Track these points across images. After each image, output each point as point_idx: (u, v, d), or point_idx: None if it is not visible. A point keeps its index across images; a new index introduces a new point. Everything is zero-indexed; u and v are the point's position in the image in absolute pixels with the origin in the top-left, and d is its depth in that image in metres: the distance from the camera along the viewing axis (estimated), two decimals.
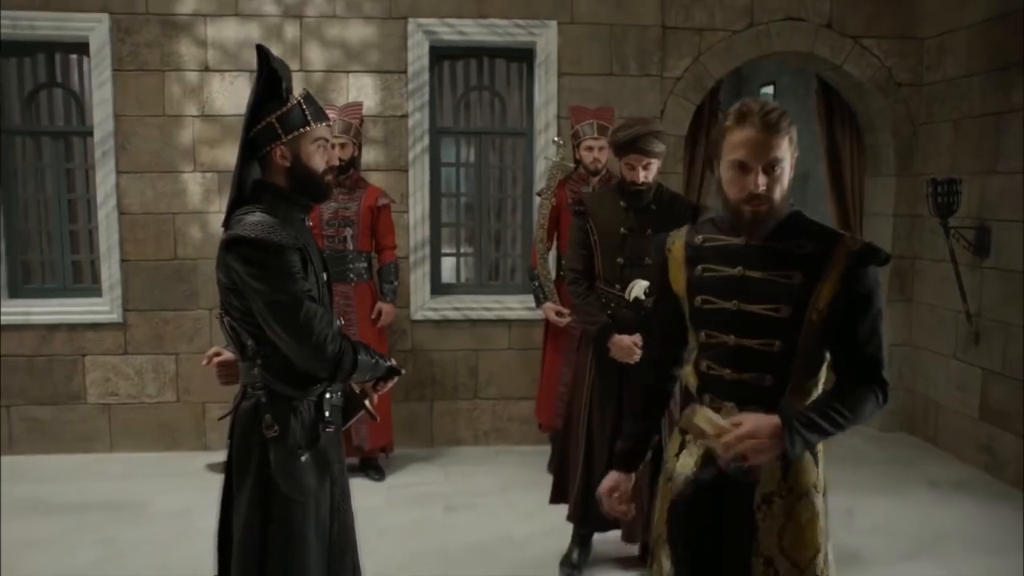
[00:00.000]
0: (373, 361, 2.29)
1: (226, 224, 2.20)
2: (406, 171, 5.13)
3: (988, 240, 4.76)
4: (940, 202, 4.79)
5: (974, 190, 4.85)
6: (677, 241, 1.98)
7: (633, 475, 2.09)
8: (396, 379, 2.45)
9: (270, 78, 2.16)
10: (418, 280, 5.20)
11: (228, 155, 5.06)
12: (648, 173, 3.30)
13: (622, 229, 3.33)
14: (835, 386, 1.83)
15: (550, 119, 5.15)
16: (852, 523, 4.09)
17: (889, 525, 4.14)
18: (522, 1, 5.09)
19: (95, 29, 4.92)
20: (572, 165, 4.61)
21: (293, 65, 5.04)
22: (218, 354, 2.42)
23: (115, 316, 5.10)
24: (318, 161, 2.19)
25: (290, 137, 2.13)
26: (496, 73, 5.34)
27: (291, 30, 5.05)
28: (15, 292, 5.21)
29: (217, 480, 2.22)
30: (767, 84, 8.50)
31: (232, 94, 5.04)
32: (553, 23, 5.10)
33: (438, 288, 5.38)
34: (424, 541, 3.90)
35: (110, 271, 5.08)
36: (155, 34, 4.98)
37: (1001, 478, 4.72)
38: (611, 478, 2.08)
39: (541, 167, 5.09)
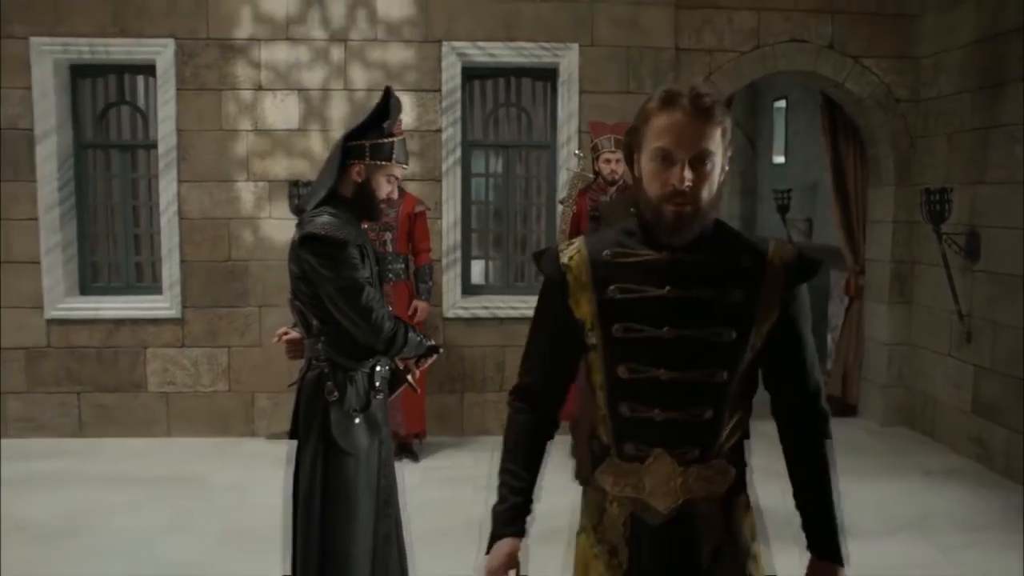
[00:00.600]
0: (419, 339, 2.73)
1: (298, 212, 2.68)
2: (440, 181, 5.59)
3: (978, 245, 5.12)
4: (933, 210, 5.15)
5: (965, 199, 5.21)
6: (575, 256, 1.62)
7: (524, 539, 1.69)
8: (435, 357, 2.88)
9: (382, 112, 2.64)
10: (450, 281, 5.65)
11: (277, 166, 5.56)
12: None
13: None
14: (795, 455, 1.66)
15: (572, 133, 5.59)
16: (843, 503, 4.46)
17: (881, 505, 4.50)
18: (547, 25, 5.54)
19: (161, 53, 5.44)
20: (591, 176, 5.04)
21: (338, 85, 5.54)
22: (286, 333, 2.87)
23: (174, 312, 5.60)
24: (382, 190, 2.66)
25: (372, 163, 2.60)
26: (522, 91, 5.79)
27: (337, 53, 5.54)
28: (85, 290, 5.73)
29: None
30: (779, 98, 8.87)
31: (282, 111, 5.54)
32: (575, 46, 5.54)
33: (468, 288, 5.82)
34: (456, 515, 4.32)
35: (170, 271, 5.58)
36: (214, 57, 5.49)
37: (991, 468, 5.06)
38: (506, 546, 1.64)
39: (563, 177, 5.52)
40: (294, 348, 2.86)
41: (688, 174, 1.46)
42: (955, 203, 5.17)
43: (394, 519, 2.83)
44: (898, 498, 4.63)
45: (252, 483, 4.77)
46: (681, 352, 1.54)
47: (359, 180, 2.63)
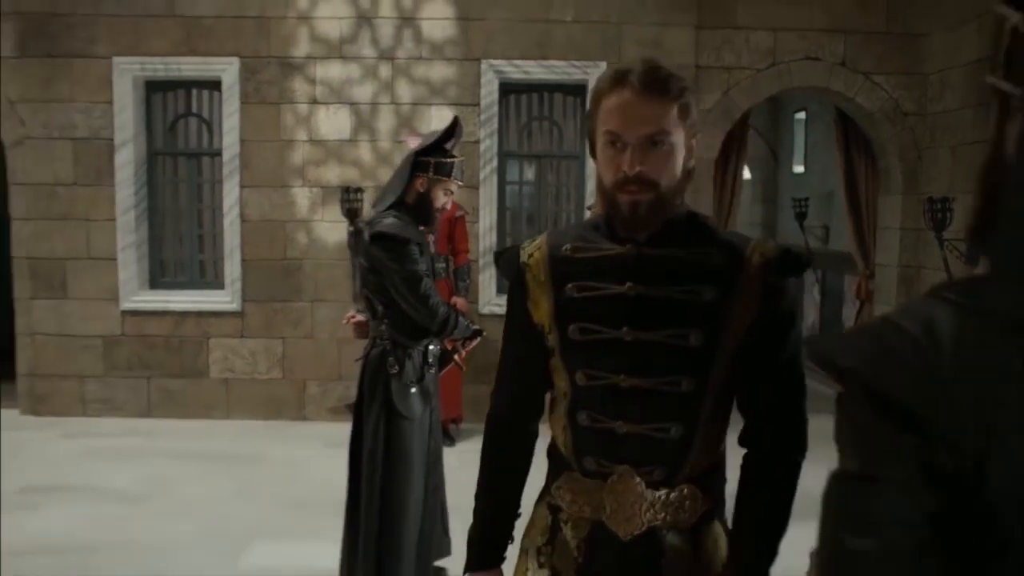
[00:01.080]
0: (466, 323, 3.22)
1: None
2: (477, 188, 6.09)
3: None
4: (936, 217, 5.54)
5: (966, 207, 5.59)
6: (535, 253, 1.48)
7: (500, 570, 1.59)
8: (478, 339, 3.37)
9: (447, 135, 3.15)
10: (486, 280, 6.15)
11: (330, 173, 6.09)
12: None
13: None
14: (749, 478, 1.42)
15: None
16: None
17: None
18: (577, 45, 6.02)
19: (227, 70, 6.01)
20: None
21: (385, 99, 6.07)
22: (353, 316, 3.39)
23: (235, 306, 6.15)
24: (439, 201, 3.17)
25: (434, 177, 3.10)
26: (554, 105, 6.28)
27: (385, 70, 6.07)
28: (155, 284, 6.31)
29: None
30: (799, 110, 9.27)
31: (335, 123, 6.08)
32: (603, 63, 6.01)
33: (502, 287, 6.31)
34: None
35: (232, 268, 6.14)
36: (274, 74, 6.05)
37: None
38: None
39: (591, 186, 5.99)
40: (360, 329, 3.38)
41: (639, 157, 1.31)
42: (957, 211, 5.56)
43: (440, 475, 3.33)
44: None
45: (305, 460, 5.29)
46: (641, 356, 1.36)
47: (422, 191, 3.14)
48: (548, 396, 1.55)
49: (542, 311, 1.46)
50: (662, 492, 1.40)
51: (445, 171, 3.15)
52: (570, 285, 1.42)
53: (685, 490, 1.41)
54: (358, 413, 3.28)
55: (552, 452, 1.54)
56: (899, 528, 0.71)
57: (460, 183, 3.27)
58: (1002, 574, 0.70)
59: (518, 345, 1.55)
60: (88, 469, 5.04)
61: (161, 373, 6.19)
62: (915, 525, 0.71)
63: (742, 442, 1.45)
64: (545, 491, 1.53)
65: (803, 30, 6.10)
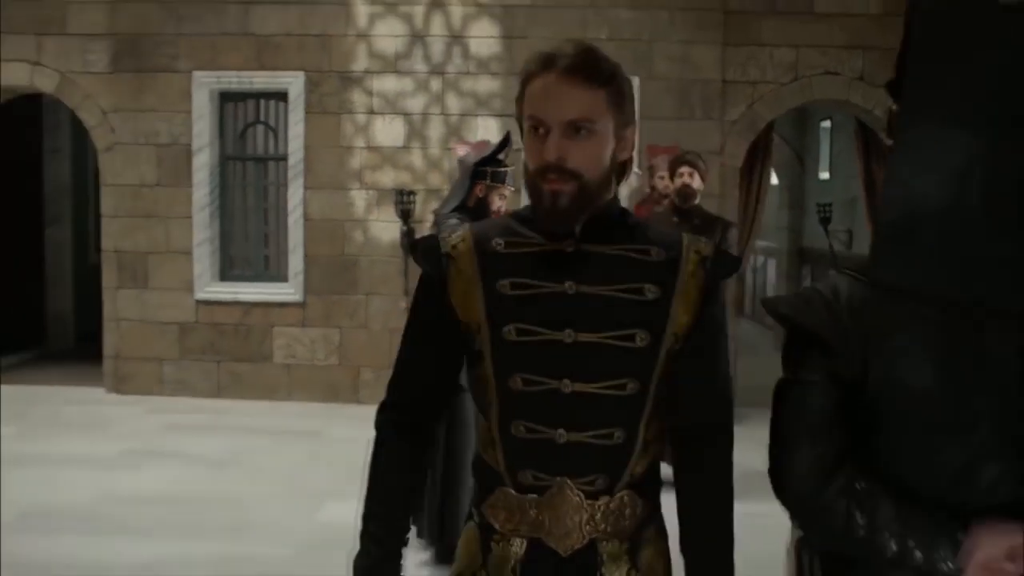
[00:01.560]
0: None
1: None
2: (519, 192, 6.65)
3: None
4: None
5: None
6: (459, 244, 1.36)
7: None
8: None
9: (501, 148, 3.73)
10: None
11: (385, 178, 6.70)
12: (693, 180, 4.66)
13: None
14: (693, 484, 1.40)
15: (632, 154, 6.58)
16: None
17: None
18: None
19: (293, 83, 6.65)
20: (648, 190, 6.03)
21: (436, 110, 6.67)
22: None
23: (298, 297, 6.79)
24: (495, 204, 3.74)
25: (491, 184, 3.68)
26: None
27: (435, 84, 6.67)
28: (224, 277, 6.98)
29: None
30: (825, 119, 9.72)
31: (390, 131, 6.69)
32: (636, 79, 6.54)
33: None
34: None
35: (295, 263, 6.78)
36: (335, 86, 6.67)
37: None
38: None
39: (624, 191, 6.50)
40: None
41: (561, 144, 1.25)
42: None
43: None
44: None
45: (361, 438, 5.83)
46: (585, 359, 1.29)
47: (480, 196, 3.72)
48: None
49: (471, 309, 1.33)
50: (602, 501, 1.32)
51: (500, 179, 3.73)
52: (503, 282, 1.31)
53: (625, 497, 1.34)
54: None
55: (478, 467, 1.41)
56: (816, 412, 1.26)
57: (512, 188, 3.83)
58: (878, 439, 1.24)
59: (426, 342, 1.40)
60: (173, 439, 5.70)
61: (230, 357, 6.84)
62: (826, 410, 1.27)
63: (672, 436, 1.41)
64: (472, 510, 1.42)
65: (824, 47, 6.57)
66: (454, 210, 3.71)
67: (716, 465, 1.40)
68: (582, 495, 1.32)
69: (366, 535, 1.40)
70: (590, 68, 1.27)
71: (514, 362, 1.31)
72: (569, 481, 1.31)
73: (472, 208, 3.74)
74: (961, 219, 1.21)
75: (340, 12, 6.63)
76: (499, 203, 3.78)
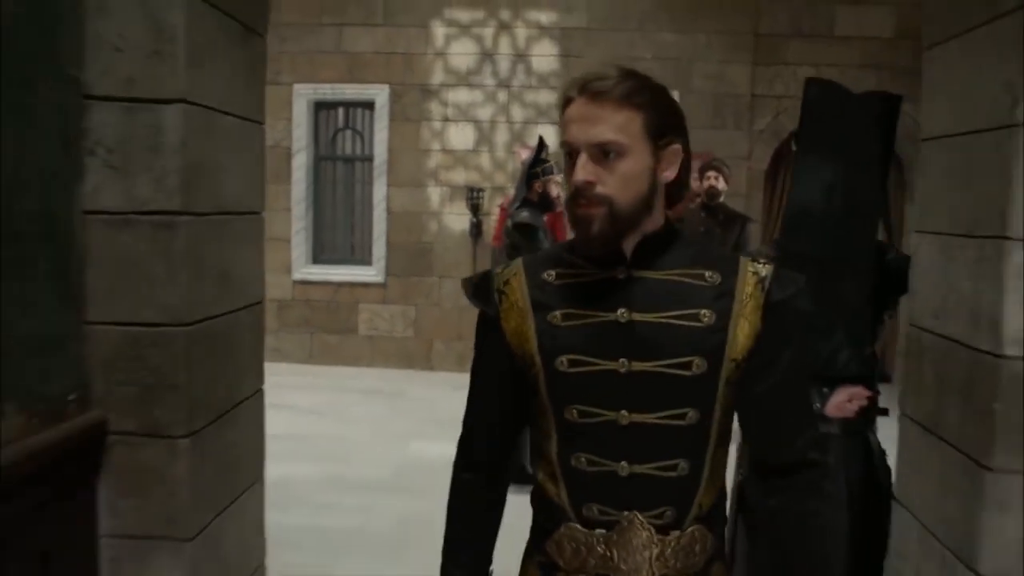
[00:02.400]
0: None
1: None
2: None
3: None
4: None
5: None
6: (511, 280, 1.35)
7: None
8: None
9: (540, 150, 4.81)
10: None
11: (457, 177, 7.82)
12: (719, 183, 5.69)
13: (701, 228, 5.79)
14: (772, 530, 1.37)
15: (687, 174, 7.62)
16: None
17: None
18: (655, 76, 7.56)
19: (379, 94, 7.81)
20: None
21: (502, 119, 7.77)
22: None
23: (380, 279, 7.96)
24: (553, 191, 4.82)
25: (544, 178, 4.76)
26: None
27: (502, 95, 7.77)
28: (316, 260, 8.18)
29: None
30: None
31: (462, 136, 7.81)
32: (676, 92, 7.55)
33: None
34: None
35: (378, 249, 7.95)
36: (415, 98, 7.81)
37: None
38: None
39: None
40: None
41: (588, 168, 1.23)
42: None
43: None
44: None
45: (436, 397, 7.01)
46: (641, 389, 1.27)
47: (540, 190, 4.79)
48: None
49: (525, 341, 1.31)
50: (672, 536, 1.29)
51: (548, 172, 4.79)
52: (554, 312, 1.30)
53: (696, 532, 1.31)
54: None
55: (539, 502, 1.37)
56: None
57: (560, 177, 4.90)
58: None
59: (495, 379, 1.39)
60: (279, 395, 6.84)
61: (321, 329, 8.04)
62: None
63: (752, 473, 1.41)
64: (533, 548, 1.39)
65: (842, 66, 7.51)
66: (521, 204, 4.80)
67: (796, 500, 1.33)
68: (652, 529, 1.28)
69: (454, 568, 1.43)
70: (619, 90, 1.24)
71: (569, 394, 1.29)
72: (639, 515, 1.27)
73: (536, 201, 4.82)
74: (829, 214, 2.28)
75: (421, 34, 7.76)
76: (556, 190, 4.85)
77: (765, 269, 1.32)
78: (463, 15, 7.76)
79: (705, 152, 7.09)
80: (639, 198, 1.27)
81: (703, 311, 1.27)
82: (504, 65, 7.77)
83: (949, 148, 2.04)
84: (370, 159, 7.99)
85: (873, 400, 2.41)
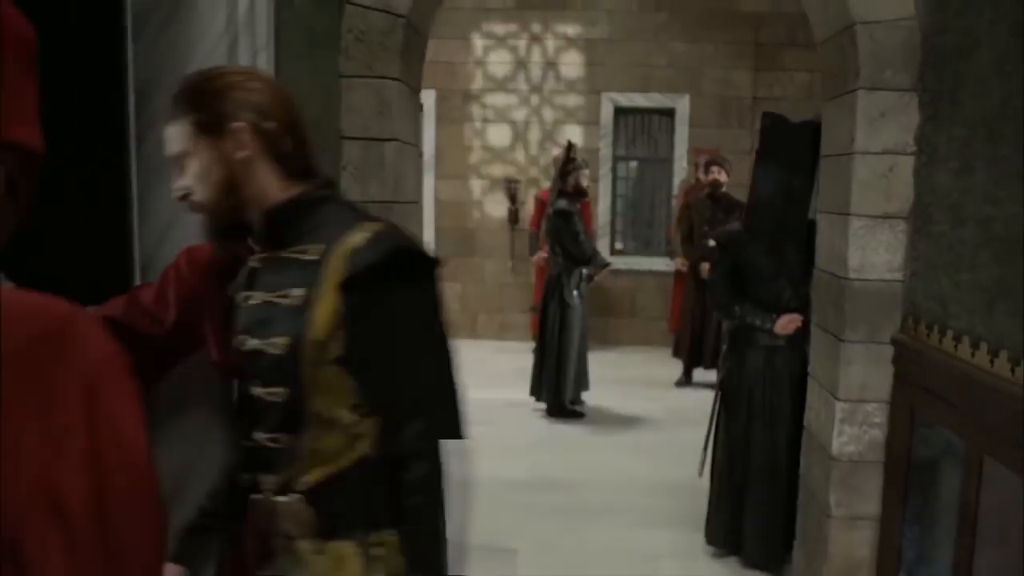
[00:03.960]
0: (600, 256, 6.35)
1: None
2: (597, 182, 9.19)
3: None
4: None
5: None
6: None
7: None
8: (608, 268, 6.48)
9: (569, 150, 6.29)
10: (602, 245, 9.24)
11: (496, 171, 9.30)
12: (721, 176, 7.14)
13: (707, 214, 7.25)
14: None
15: (682, 152, 9.09)
16: None
17: None
18: (668, 82, 9.03)
19: (427, 99, 9.29)
20: (693, 181, 8.50)
21: (535, 120, 9.24)
22: (540, 259, 6.58)
23: None
24: (583, 183, 6.31)
25: (575, 172, 6.23)
26: (651, 124, 9.33)
27: (535, 98, 9.24)
28: None
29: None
30: None
31: (499, 136, 9.29)
32: (687, 95, 9.01)
33: (613, 251, 9.41)
34: (603, 373, 7.93)
35: (428, 234, 9.42)
36: (458, 101, 9.29)
37: None
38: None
39: (677, 180, 8.99)
40: (544, 266, 6.56)
41: (180, 180, 1.42)
42: None
43: (586, 340, 6.47)
44: None
45: (483, 358, 8.47)
46: (255, 366, 1.41)
47: (572, 182, 6.26)
48: None
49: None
50: (281, 501, 1.41)
51: (578, 167, 6.30)
52: (240, 294, 1.49)
53: (299, 503, 1.40)
54: (544, 308, 6.44)
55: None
56: (724, 274, 4.07)
57: (587, 170, 6.36)
58: (743, 284, 4.02)
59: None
60: None
61: None
62: (727, 274, 4.06)
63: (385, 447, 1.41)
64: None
65: None
66: (559, 195, 6.27)
67: (409, 504, 1.36)
68: (271, 493, 1.43)
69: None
70: (171, 110, 1.38)
71: (239, 370, 1.52)
72: (265, 480, 1.45)
73: (571, 192, 6.28)
74: (777, 202, 3.77)
75: (463, 45, 9.24)
76: (584, 182, 6.33)
77: (362, 239, 1.31)
78: (499, 28, 9.23)
79: (713, 147, 8.55)
80: (220, 187, 1.39)
81: (294, 290, 1.35)
82: (536, 72, 9.22)
83: (830, 162, 3.42)
84: (420, 155, 9.44)
85: (806, 323, 3.85)
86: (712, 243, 4.99)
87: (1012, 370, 2.26)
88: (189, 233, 1.92)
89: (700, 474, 4.35)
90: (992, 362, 2.37)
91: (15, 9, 0.93)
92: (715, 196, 7.26)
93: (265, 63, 2.33)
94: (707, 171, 7.35)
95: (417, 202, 3.90)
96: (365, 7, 3.12)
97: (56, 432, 0.82)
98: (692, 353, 7.56)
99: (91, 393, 0.85)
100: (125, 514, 0.85)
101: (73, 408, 0.83)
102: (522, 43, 9.24)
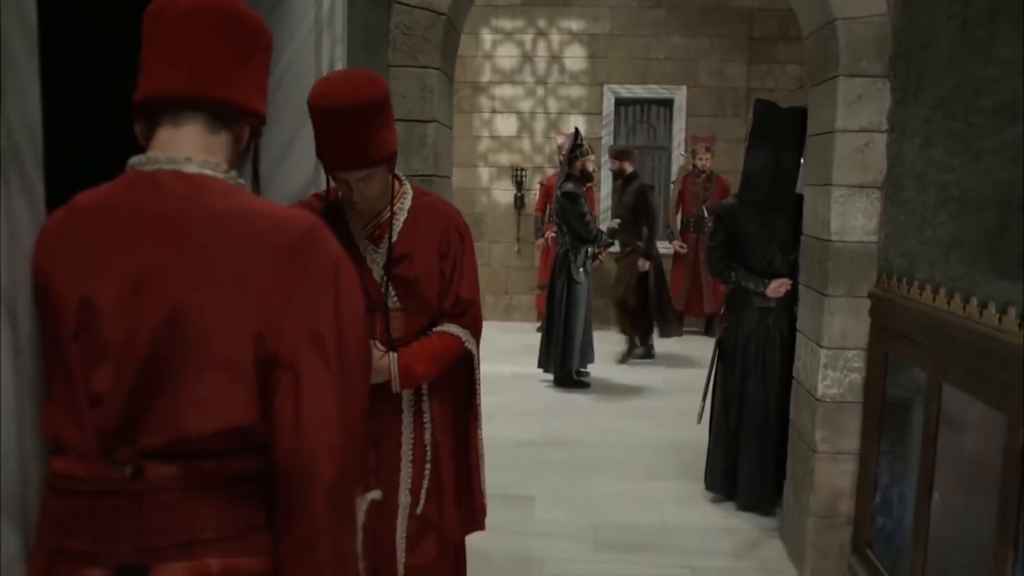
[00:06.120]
0: (604, 238, 6.82)
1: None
2: (599, 168, 9.63)
3: None
4: None
5: None
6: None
7: None
8: (609, 247, 6.96)
9: (576, 136, 6.75)
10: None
11: (503, 159, 9.75)
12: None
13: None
14: None
15: (680, 140, 9.55)
16: None
17: None
18: (667, 74, 9.49)
19: None
20: (691, 167, 8.96)
21: (540, 110, 9.69)
22: (541, 242, 7.07)
23: None
24: (589, 168, 6.78)
25: (581, 158, 6.70)
26: (651, 114, 9.78)
27: (540, 90, 9.69)
28: None
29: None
30: None
31: (506, 125, 9.74)
32: (684, 87, 9.46)
33: (612, 233, 9.83)
34: (606, 349, 8.40)
35: None
36: (467, 92, 9.73)
37: None
38: None
39: (675, 167, 9.45)
40: (551, 246, 7.03)
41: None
42: None
43: (590, 314, 6.95)
44: None
45: (489, 336, 8.94)
46: None
47: (580, 167, 6.72)
48: None
49: None
50: None
51: (583, 152, 6.75)
52: None
53: None
54: (552, 284, 6.91)
55: None
56: (722, 242, 4.59)
57: (592, 155, 6.82)
58: (737, 251, 4.55)
59: None
60: None
61: None
62: (723, 242, 4.59)
63: None
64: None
65: None
66: (566, 178, 6.73)
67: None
68: None
69: None
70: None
71: None
72: None
73: (578, 176, 6.74)
74: (766, 177, 4.24)
75: (472, 39, 9.67)
76: (591, 167, 6.80)
77: None
78: (507, 23, 9.67)
79: (709, 135, 9.02)
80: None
81: None
82: (541, 65, 9.67)
83: (815, 140, 3.88)
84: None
85: (795, 286, 4.32)
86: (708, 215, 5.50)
87: (963, 307, 2.73)
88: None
89: (699, 420, 4.83)
90: (948, 303, 2.83)
91: (257, 15, 1.39)
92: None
93: (340, 55, 2.77)
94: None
95: (450, 177, 4.35)
96: (411, 6, 3.58)
97: (316, 297, 1.29)
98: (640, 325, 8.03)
99: (335, 273, 1.31)
100: (354, 348, 1.33)
101: (326, 282, 1.30)
102: (528, 38, 9.69)
